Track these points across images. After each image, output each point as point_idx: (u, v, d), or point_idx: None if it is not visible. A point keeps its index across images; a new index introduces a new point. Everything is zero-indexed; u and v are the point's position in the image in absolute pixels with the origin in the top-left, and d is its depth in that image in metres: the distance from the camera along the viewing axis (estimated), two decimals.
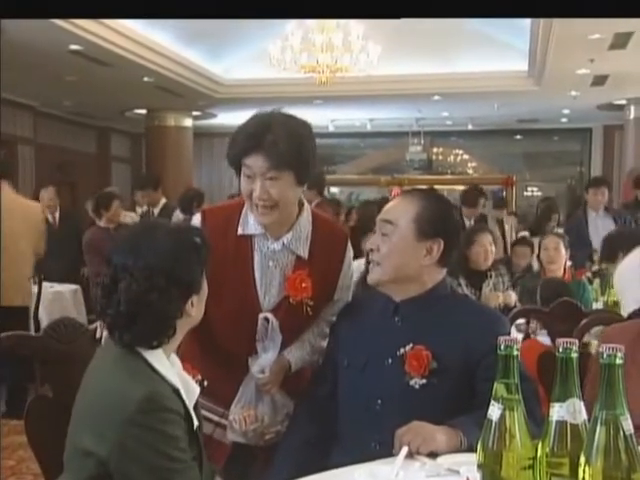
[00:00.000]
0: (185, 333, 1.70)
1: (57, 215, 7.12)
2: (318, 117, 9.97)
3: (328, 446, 1.98)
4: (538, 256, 4.80)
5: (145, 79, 9.31)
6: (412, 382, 1.88)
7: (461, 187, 14.11)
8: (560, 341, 1.21)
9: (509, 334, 2.02)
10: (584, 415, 1.21)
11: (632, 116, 11.21)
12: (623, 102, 11.12)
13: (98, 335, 1.91)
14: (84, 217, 7.78)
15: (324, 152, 13.12)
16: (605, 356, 1.13)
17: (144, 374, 1.56)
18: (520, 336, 3.41)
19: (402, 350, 1.90)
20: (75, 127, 12.92)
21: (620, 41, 7.25)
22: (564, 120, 13.32)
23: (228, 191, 13.26)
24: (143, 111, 12.00)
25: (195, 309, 1.67)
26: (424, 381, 1.87)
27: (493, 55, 9.29)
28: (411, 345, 1.90)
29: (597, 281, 4.77)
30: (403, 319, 1.99)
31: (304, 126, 2.03)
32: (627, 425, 1.13)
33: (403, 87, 10.04)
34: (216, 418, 2.12)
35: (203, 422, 1.75)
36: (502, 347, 1.23)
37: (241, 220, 2.10)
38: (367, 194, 13.39)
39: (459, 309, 2.02)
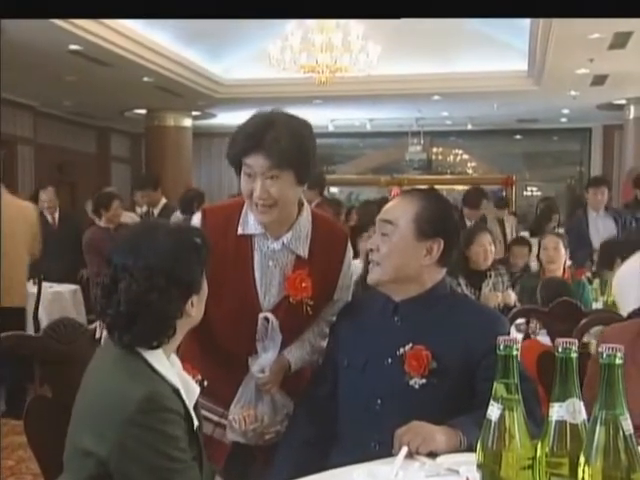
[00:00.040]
0: (185, 333, 1.70)
1: (57, 216, 7.11)
2: (318, 117, 9.95)
3: (328, 446, 1.98)
4: (538, 256, 4.80)
5: (145, 79, 9.31)
6: (412, 382, 1.88)
7: (461, 187, 14.21)
8: (559, 341, 1.21)
9: (509, 334, 2.02)
10: (584, 415, 1.21)
11: (632, 116, 11.21)
12: (623, 102, 11.12)
13: (97, 335, 1.91)
14: (84, 217, 7.78)
15: (324, 152, 13.12)
16: (605, 356, 1.13)
17: (144, 374, 1.56)
18: (520, 336, 3.41)
19: (402, 350, 1.90)
20: (75, 127, 12.92)
21: (620, 41, 7.25)
22: (564, 120, 13.32)
23: (228, 191, 13.27)
24: (143, 111, 12.00)
25: (195, 309, 1.67)
26: (424, 381, 1.87)
27: (493, 55, 9.30)
28: (411, 345, 1.90)
29: (597, 281, 4.78)
30: (403, 319, 1.99)
31: (305, 126, 2.03)
32: (627, 425, 1.13)
33: (403, 87, 10.04)
34: (216, 418, 2.12)
35: (203, 422, 1.75)
36: (502, 347, 1.23)
37: (241, 220, 2.10)
38: (367, 194, 13.39)
39: (459, 309, 2.02)
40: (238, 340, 2.10)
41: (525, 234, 6.96)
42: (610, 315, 2.78)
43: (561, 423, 1.20)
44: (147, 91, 10.11)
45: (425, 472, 1.61)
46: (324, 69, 8.03)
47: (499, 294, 4.23)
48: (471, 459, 1.31)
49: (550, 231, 6.19)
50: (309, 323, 2.19)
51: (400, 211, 2.00)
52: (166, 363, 1.62)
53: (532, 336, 3.47)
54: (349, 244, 2.24)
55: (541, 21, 6.98)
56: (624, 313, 2.86)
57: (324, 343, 2.19)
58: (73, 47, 7.60)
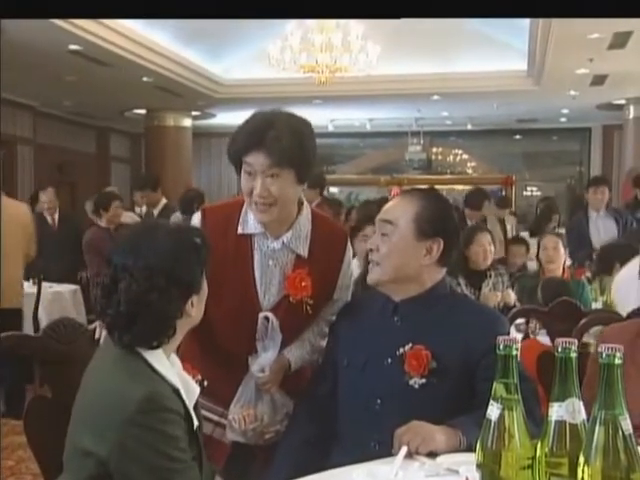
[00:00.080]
0: (185, 333, 1.71)
1: (56, 217, 7.10)
2: (317, 117, 9.95)
3: (327, 446, 1.98)
4: (537, 256, 4.80)
5: (144, 79, 9.32)
6: (412, 382, 1.88)
7: (460, 187, 14.22)
8: (559, 341, 1.21)
9: (508, 334, 2.02)
10: (583, 415, 1.21)
11: (631, 116, 11.21)
12: (622, 102, 11.13)
13: (97, 336, 1.91)
14: (83, 218, 7.78)
15: (323, 152, 13.12)
16: (604, 356, 1.13)
17: (144, 374, 1.57)
18: (519, 336, 3.41)
19: (401, 350, 1.90)
20: (75, 127, 12.92)
21: (619, 41, 7.25)
22: (563, 120, 13.32)
23: (227, 191, 13.29)
24: (142, 111, 12.01)
25: (195, 309, 1.67)
26: (423, 381, 1.88)
27: (492, 55, 9.30)
28: (410, 345, 1.90)
29: (597, 281, 4.77)
30: (402, 319, 1.99)
31: (305, 125, 2.03)
32: (626, 425, 1.13)
33: (402, 87, 10.04)
34: (215, 418, 2.12)
35: (203, 422, 1.75)
36: (501, 347, 1.23)
37: (241, 219, 2.10)
38: (366, 194, 13.40)
39: (458, 309, 2.02)
40: (238, 339, 2.10)
41: (525, 234, 6.95)
42: (610, 315, 2.78)
43: (560, 423, 1.20)
44: (147, 91, 10.11)
45: (425, 472, 1.61)
46: (324, 69, 8.03)
47: (499, 294, 4.23)
48: (471, 459, 1.30)
49: (550, 231, 6.19)
50: (309, 322, 2.19)
51: (400, 211, 2.00)
52: (166, 363, 1.62)
53: (531, 336, 3.47)
54: (349, 244, 2.24)
55: (541, 21, 6.99)
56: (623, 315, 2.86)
57: (324, 342, 2.20)
58: (73, 47, 7.60)
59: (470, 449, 1.55)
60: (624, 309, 2.89)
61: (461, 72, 9.66)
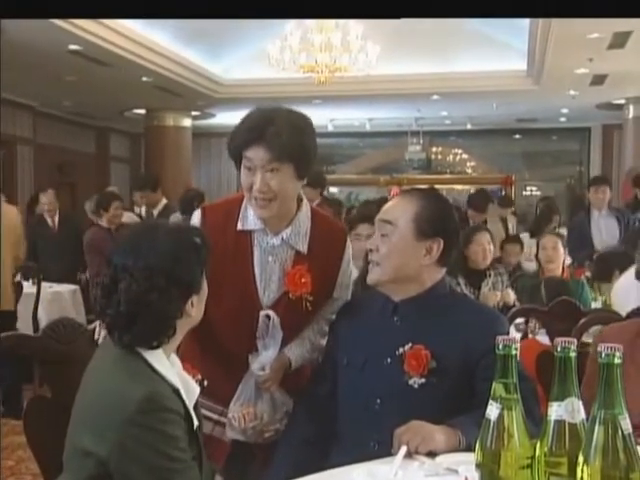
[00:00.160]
0: (185, 333, 1.71)
1: (56, 219, 7.09)
2: (317, 117, 9.88)
3: (327, 445, 1.98)
4: (537, 256, 4.80)
5: (144, 79, 9.31)
6: (411, 381, 1.88)
7: (460, 187, 14.22)
8: (558, 340, 1.21)
9: (508, 333, 2.02)
10: (582, 414, 1.21)
11: (631, 115, 11.20)
12: (622, 101, 11.12)
13: (96, 337, 1.91)
14: (83, 219, 7.78)
15: (323, 152, 13.09)
16: (604, 355, 1.13)
17: (144, 374, 1.57)
18: (519, 335, 3.41)
19: (401, 350, 1.91)
20: (74, 127, 12.92)
21: (619, 40, 7.25)
22: (563, 119, 13.32)
23: (227, 191, 13.27)
24: (142, 111, 12.00)
25: (195, 309, 1.67)
26: (423, 380, 1.88)
27: (492, 55, 9.30)
28: (410, 345, 1.90)
29: (596, 288, 4.77)
30: (402, 319, 1.99)
31: (305, 121, 2.04)
32: (625, 424, 1.13)
33: (402, 87, 10.03)
34: (215, 416, 2.12)
35: (202, 421, 1.75)
36: (500, 346, 1.23)
37: (240, 215, 2.10)
38: (366, 194, 13.40)
39: (458, 308, 2.02)
40: (238, 337, 2.11)
41: (525, 235, 6.94)
42: (609, 315, 2.78)
43: (560, 422, 1.20)
44: (146, 91, 10.11)
45: (424, 471, 1.61)
46: (323, 69, 8.03)
47: (498, 293, 4.23)
48: (470, 459, 1.31)
49: (550, 231, 6.19)
50: (309, 320, 2.19)
51: (399, 211, 2.01)
52: (166, 363, 1.62)
53: (531, 336, 3.47)
54: (348, 242, 2.24)
55: (540, 21, 6.98)
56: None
57: (324, 341, 2.20)
58: (73, 47, 7.59)
59: (469, 449, 1.55)
60: (623, 312, 2.89)
61: (461, 72, 9.66)
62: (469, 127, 13.63)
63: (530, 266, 5.55)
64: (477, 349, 1.86)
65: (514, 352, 1.23)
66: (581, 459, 1.14)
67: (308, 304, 2.09)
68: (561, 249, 4.65)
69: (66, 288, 6.23)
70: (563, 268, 4.69)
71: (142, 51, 8.29)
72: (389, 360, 1.93)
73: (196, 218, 2.14)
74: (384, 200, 3.11)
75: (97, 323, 1.87)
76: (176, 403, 1.57)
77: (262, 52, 8.22)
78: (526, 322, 3.53)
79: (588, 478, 1.13)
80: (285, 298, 2.09)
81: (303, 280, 2.06)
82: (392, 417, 1.79)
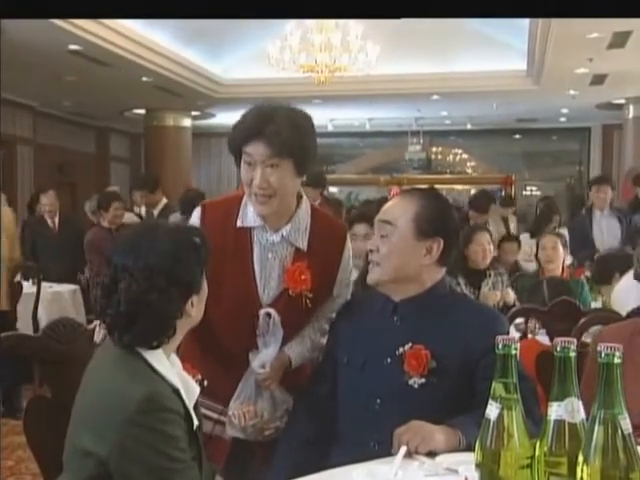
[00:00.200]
0: (185, 333, 1.71)
1: (57, 220, 7.08)
2: (317, 117, 9.82)
3: (327, 445, 1.98)
4: (536, 255, 4.80)
5: (144, 79, 9.31)
6: (411, 381, 1.88)
7: (460, 186, 14.22)
8: (558, 340, 1.21)
9: (508, 333, 2.02)
10: (582, 414, 1.21)
11: (631, 115, 11.20)
12: (622, 101, 11.11)
13: (96, 338, 1.91)
14: (84, 219, 7.78)
15: (323, 152, 13.10)
16: (603, 355, 1.13)
17: (144, 374, 1.57)
18: (518, 335, 3.41)
19: (401, 349, 1.91)
20: (74, 127, 12.91)
21: (619, 40, 7.25)
22: (563, 119, 13.31)
23: (227, 191, 13.24)
24: (142, 111, 11.99)
25: (195, 309, 1.67)
26: (423, 380, 1.88)
27: (492, 55, 9.30)
28: (410, 344, 1.90)
29: (595, 291, 4.76)
30: (402, 318, 1.99)
31: (305, 118, 2.06)
32: (625, 424, 1.13)
33: (402, 87, 10.03)
34: (215, 416, 2.12)
35: (203, 421, 1.76)
36: (500, 346, 1.23)
37: (240, 212, 2.11)
38: (366, 194, 13.39)
39: (458, 308, 2.02)
40: (238, 335, 2.11)
41: (526, 235, 6.93)
42: (609, 314, 2.78)
43: (560, 422, 1.20)
44: (146, 91, 10.11)
45: (424, 471, 1.61)
46: (323, 69, 8.03)
47: (498, 293, 4.23)
48: (470, 458, 1.31)
49: (550, 231, 6.18)
50: (309, 318, 2.19)
51: (399, 211, 2.01)
52: (166, 363, 1.62)
53: (531, 335, 3.47)
54: (348, 239, 2.25)
55: (540, 21, 6.98)
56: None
57: (324, 340, 2.20)
58: (73, 47, 7.59)
59: (469, 448, 1.55)
60: (623, 313, 2.89)
61: (461, 72, 9.66)
62: (469, 127, 13.63)
63: (530, 266, 5.55)
64: (477, 349, 1.86)
65: (514, 352, 1.23)
66: (581, 459, 1.14)
67: (308, 301, 2.09)
68: (561, 249, 4.65)
69: (66, 288, 6.23)
70: (563, 268, 4.69)
71: (142, 51, 8.29)
72: (389, 360, 1.93)
73: (196, 215, 2.15)
74: (384, 200, 3.11)
75: (96, 323, 1.87)
76: (176, 403, 1.57)
77: (262, 52, 8.22)
78: (526, 322, 3.53)
79: (588, 478, 1.13)
80: (285, 295, 2.09)
81: (303, 277, 2.07)
82: (392, 417, 1.79)
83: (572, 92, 10.22)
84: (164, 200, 7.57)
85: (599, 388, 1.14)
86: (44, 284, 5.65)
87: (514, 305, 4.04)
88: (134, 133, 13.99)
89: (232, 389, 2.12)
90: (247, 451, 2.15)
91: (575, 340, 1.22)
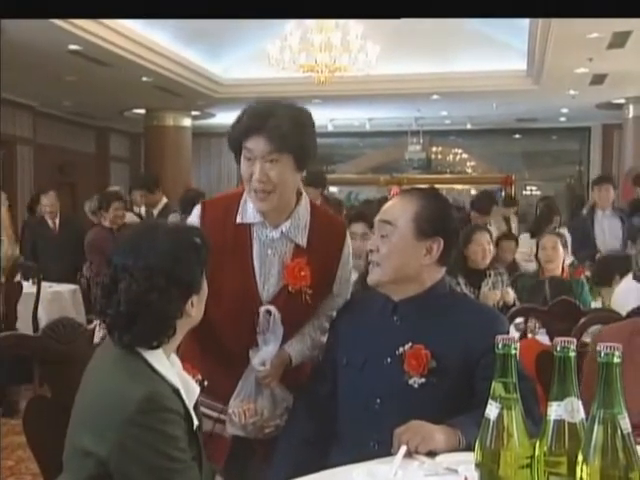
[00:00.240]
0: (185, 333, 1.71)
1: (57, 221, 7.08)
2: (317, 116, 9.80)
3: (327, 445, 1.99)
4: (536, 255, 4.80)
5: (144, 79, 9.31)
6: (411, 381, 1.88)
7: (460, 186, 14.22)
8: (558, 340, 1.21)
9: (508, 333, 2.02)
10: (582, 414, 1.21)
11: (631, 115, 11.20)
12: (622, 101, 11.11)
13: (95, 340, 1.91)
14: (84, 219, 7.77)
15: (323, 151, 13.09)
16: (603, 355, 1.13)
17: (144, 374, 1.57)
18: (518, 335, 3.41)
19: (401, 349, 1.91)
20: (74, 127, 12.92)
21: (619, 40, 7.25)
22: (563, 119, 13.32)
23: (226, 191, 13.25)
24: (142, 111, 12.00)
25: (195, 309, 1.67)
26: (423, 380, 1.88)
27: (492, 55, 9.30)
28: (410, 344, 1.90)
29: (595, 292, 4.76)
30: (402, 318, 1.99)
31: (305, 114, 2.07)
32: (625, 424, 1.13)
33: (402, 86, 10.03)
34: (215, 414, 2.12)
35: (203, 419, 1.76)
36: (500, 346, 1.23)
37: (240, 209, 2.11)
38: (366, 193, 13.40)
39: (458, 308, 2.02)
40: (238, 332, 2.11)
41: (526, 235, 6.93)
42: (609, 314, 2.78)
43: (559, 422, 1.20)
44: (146, 91, 10.11)
45: (424, 471, 1.61)
46: (323, 69, 8.04)
47: (498, 293, 4.23)
48: (470, 458, 1.31)
49: (550, 231, 6.18)
50: (309, 315, 2.19)
51: (399, 211, 2.01)
52: (166, 363, 1.62)
53: (530, 335, 3.47)
54: (348, 237, 2.25)
55: (540, 21, 6.98)
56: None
57: (324, 338, 2.20)
58: (73, 47, 7.59)
59: (469, 448, 1.55)
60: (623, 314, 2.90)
61: (460, 72, 9.66)
62: (469, 127, 13.64)
63: (530, 266, 5.55)
64: (477, 348, 1.86)
65: (514, 351, 1.23)
66: (580, 458, 1.14)
67: (307, 297, 2.09)
68: (561, 249, 4.65)
69: (66, 288, 6.23)
70: (563, 268, 4.69)
71: (142, 51, 8.29)
72: (389, 360, 1.93)
73: (196, 213, 2.16)
74: (384, 200, 3.12)
75: (96, 323, 1.87)
76: (176, 403, 1.57)
77: (262, 52, 8.22)
78: (526, 321, 3.53)
79: (587, 477, 1.13)
80: (285, 292, 2.09)
81: (302, 273, 2.07)
82: (392, 417, 1.79)
83: (572, 92, 10.23)
84: (164, 200, 7.57)
85: (599, 388, 1.14)
86: (44, 284, 5.65)
87: (514, 305, 4.04)
88: (134, 133, 14.00)
89: (232, 387, 2.12)
90: (247, 449, 2.15)
91: (575, 340, 1.22)
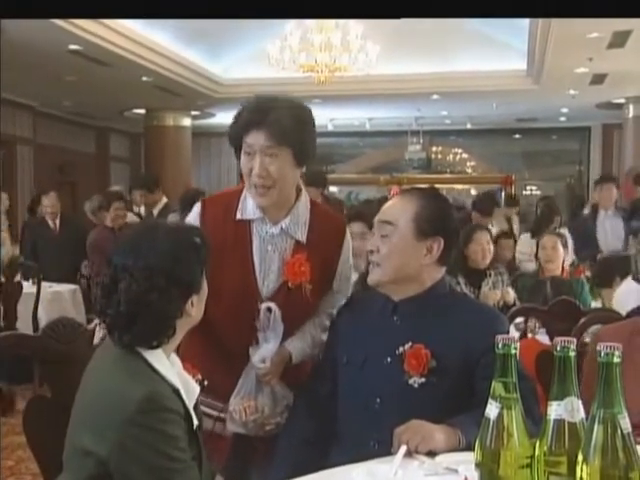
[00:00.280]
0: (185, 333, 1.71)
1: (57, 222, 7.08)
2: (317, 116, 9.89)
3: (327, 445, 1.98)
4: (536, 255, 4.80)
5: (144, 79, 9.31)
6: (411, 381, 1.88)
7: (460, 186, 14.22)
8: (558, 340, 1.21)
9: (508, 332, 2.02)
10: (582, 414, 1.21)
11: (631, 115, 11.20)
12: (622, 101, 11.11)
13: (95, 339, 1.91)
14: (84, 220, 7.78)
15: (323, 151, 13.09)
16: (603, 355, 1.13)
17: (144, 374, 1.57)
18: (518, 334, 3.41)
19: (401, 349, 1.91)
20: (74, 127, 12.92)
21: (619, 40, 7.25)
22: (563, 119, 13.32)
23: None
24: (142, 111, 12.00)
25: (195, 309, 1.67)
26: (423, 380, 1.88)
27: (492, 54, 9.30)
28: (410, 344, 1.90)
29: (596, 293, 4.76)
30: (402, 318, 1.99)
31: (304, 109, 2.08)
32: (625, 424, 1.13)
33: (402, 86, 10.03)
34: (215, 413, 2.12)
35: (203, 418, 1.76)
36: (500, 346, 1.23)
37: (240, 205, 2.12)
38: (366, 193, 13.40)
39: (458, 308, 2.02)
40: (238, 330, 2.10)
41: (527, 235, 6.93)
42: (609, 314, 2.78)
43: (559, 422, 1.20)
44: (146, 91, 10.11)
45: (424, 471, 1.61)
46: (323, 68, 8.04)
47: (498, 292, 4.23)
48: (470, 458, 1.31)
49: (550, 231, 6.17)
50: (309, 312, 2.19)
51: (399, 211, 2.01)
52: (166, 363, 1.62)
53: (530, 335, 3.47)
54: (348, 234, 2.25)
55: (540, 21, 6.98)
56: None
57: (325, 336, 2.20)
58: (73, 47, 7.59)
59: (469, 448, 1.54)
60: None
61: (461, 71, 9.66)
62: (469, 127, 13.64)
63: (530, 266, 5.55)
64: (477, 348, 1.86)
65: (513, 351, 1.23)
66: (580, 458, 1.14)
67: (308, 293, 2.09)
68: (561, 249, 4.65)
69: (66, 288, 6.23)
70: (563, 268, 4.69)
71: (142, 51, 8.29)
72: (389, 359, 1.93)
73: (196, 211, 2.16)
74: (384, 199, 3.12)
75: (96, 322, 1.87)
76: (176, 403, 1.57)
77: (262, 52, 8.23)
78: (526, 321, 3.53)
79: (587, 477, 1.13)
80: (284, 288, 2.09)
81: (302, 269, 2.07)
82: (392, 416, 1.79)
83: (572, 92, 10.23)
84: (164, 200, 7.57)
85: (598, 387, 1.14)
86: (44, 284, 5.65)
87: (514, 304, 4.04)
88: (134, 133, 14.00)
89: (232, 385, 2.12)
90: (248, 447, 2.15)
91: (575, 340, 1.22)
